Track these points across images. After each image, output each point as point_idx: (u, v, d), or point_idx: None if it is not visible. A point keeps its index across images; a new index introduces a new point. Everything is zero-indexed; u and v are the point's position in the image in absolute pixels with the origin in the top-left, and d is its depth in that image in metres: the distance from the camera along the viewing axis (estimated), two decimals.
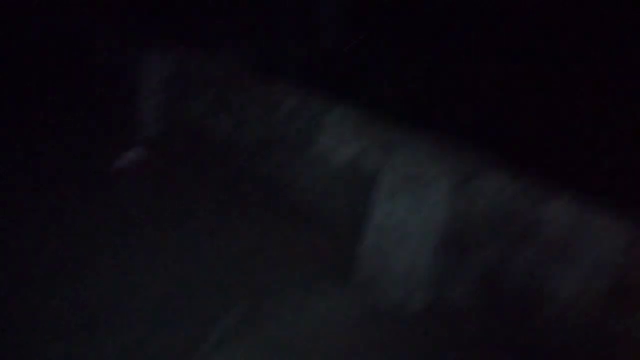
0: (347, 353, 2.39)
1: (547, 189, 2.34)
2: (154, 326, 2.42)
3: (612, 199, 2.19)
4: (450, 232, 2.63)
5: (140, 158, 3.75)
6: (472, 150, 2.61)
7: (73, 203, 3.25)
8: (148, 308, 2.54)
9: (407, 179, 2.60)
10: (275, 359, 2.33)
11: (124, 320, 2.45)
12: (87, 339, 2.34)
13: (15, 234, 2.97)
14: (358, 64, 5.07)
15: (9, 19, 5.02)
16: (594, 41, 2.83)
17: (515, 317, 2.49)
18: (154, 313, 2.51)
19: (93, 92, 4.37)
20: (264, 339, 2.41)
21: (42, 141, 3.86)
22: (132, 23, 4.55)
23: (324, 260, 3.02)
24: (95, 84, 4.46)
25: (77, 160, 3.69)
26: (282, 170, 3.40)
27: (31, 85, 4.49)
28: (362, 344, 2.45)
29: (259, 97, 3.48)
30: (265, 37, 4.82)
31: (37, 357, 2.24)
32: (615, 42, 2.78)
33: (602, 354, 2.25)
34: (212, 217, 3.27)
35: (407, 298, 2.67)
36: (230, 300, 2.60)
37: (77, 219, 3.13)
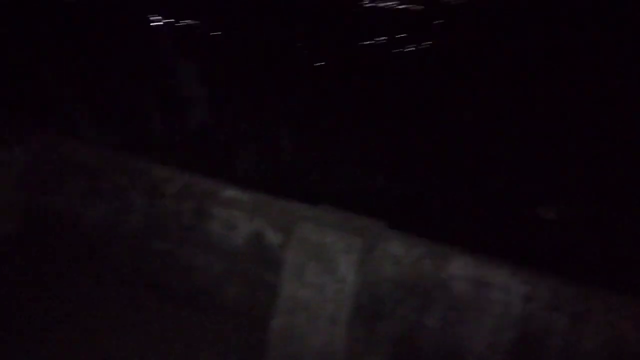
0: None
1: (449, 248, 2.47)
2: None
3: (509, 253, 2.37)
4: (360, 302, 2.62)
5: None
6: (373, 216, 2.68)
7: None
8: None
9: (311, 255, 2.56)
10: None
11: None
12: None
13: None
14: (229, 142, 5.03)
15: None
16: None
17: None
18: None
19: None
20: None
21: None
22: None
23: (228, 347, 2.83)
24: None
25: None
26: (172, 257, 3.16)
27: None
28: None
29: (138, 181, 3.25)
30: (133, 117, 4.62)
31: None
32: None
33: None
34: (101, 312, 2.91)
35: None
36: None
37: None
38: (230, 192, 2.97)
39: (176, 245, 3.17)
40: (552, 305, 2.26)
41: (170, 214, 3.16)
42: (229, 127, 5.70)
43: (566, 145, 5.24)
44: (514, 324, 2.33)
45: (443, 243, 2.50)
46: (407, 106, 6.11)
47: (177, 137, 5.04)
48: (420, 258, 2.50)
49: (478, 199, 2.63)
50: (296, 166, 4.94)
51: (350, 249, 2.47)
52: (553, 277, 2.27)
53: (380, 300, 2.62)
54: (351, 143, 4.77)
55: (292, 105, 5.68)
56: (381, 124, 5.52)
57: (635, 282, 2.20)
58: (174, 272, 3.19)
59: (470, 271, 2.40)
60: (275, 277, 2.90)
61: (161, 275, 3.21)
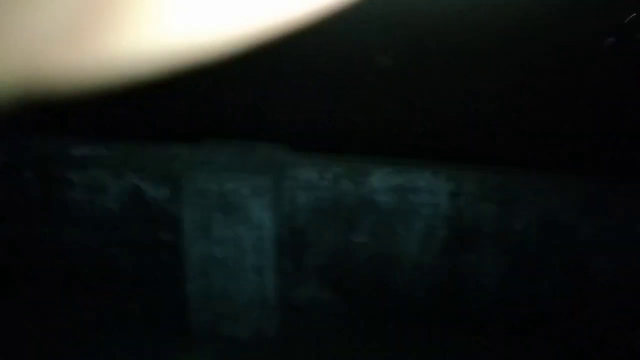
0: None
1: (366, 163, 2.22)
2: None
3: (428, 156, 2.20)
4: (283, 242, 2.34)
5: None
6: (272, 143, 2.30)
7: None
8: None
9: (213, 207, 2.16)
10: None
11: None
12: None
13: None
14: None
15: None
16: None
17: (368, 291, 2.43)
18: None
19: None
20: None
21: None
22: None
23: (149, 328, 2.45)
24: None
25: None
26: (32, 242, 2.54)
27: None
28: None
29: None
30: None
31: None
32: None
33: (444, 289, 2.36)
34: None
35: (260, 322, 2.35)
36: None
37: None
38: (83, 149, 2.34)
39: (28, 226, 2.53)
40: (480, 196, 2.18)
41: (8, 188, 2.46)
42: None
43: None
44: (443, 221, 2.24)
45: (359, 159, 2.23)
46: None
47: None
48: (337, 178, 2.23)
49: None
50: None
51: (258, 190, 2.10)
52: (478, 170, 2.16)
53: (302, 231, 2.36)
54: None
55: None
56: None
57: (559, 161, 2.17)
58: (38, 256, 2.59)
59: (392, 181, 2.20)
60: (173, 239, 2.47)
61: (20, 261, 2.60)
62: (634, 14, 2.21)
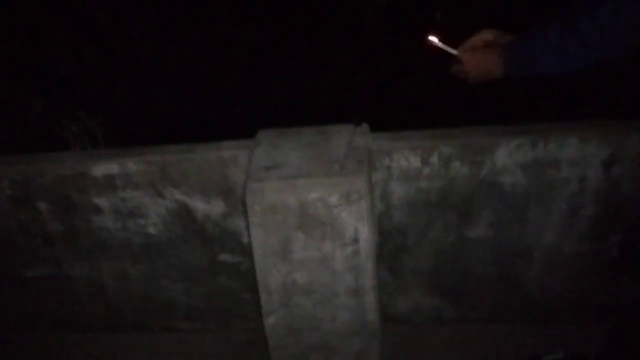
0: None
1: (489, 138, 1.65)
2: None
3: None
4: (381, 250, 1.82)
5: None
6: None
7: None
8: None
9: (291, 222, 1.62)
10: None
11: None
12: None
13: None
14: None
15: None
16: None
17: (487, 292, 1.91)
18: None
19: None
20: None
21: None
22: None
23: None
24: None
25: None
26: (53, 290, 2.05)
27: None
28: None
29: None
30: None
31: None
32: None
33: None
34: None
35: None
36: None
37: None
38: (107, 167, 1.80)
39: (54, 266, 2.03)
40: None
41: (21, 226, 1.95)
42: None
43: None
44: (591, 199, 1.68)
45: (476, 132, 1.66)
46: None
47: None
48: (446, 162, 1.67)
49: None
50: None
51: (349, 195, 1.55)
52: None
53: (400, 231, 1.83)
54: None
55: None
56: None
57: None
58: (72, 298, 2.11)
59: (524, 155, 1.63)
60: (238, 261, 1.96)
61: (56, 305, 2.13)
62: None
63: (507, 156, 1.64)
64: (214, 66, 4.10)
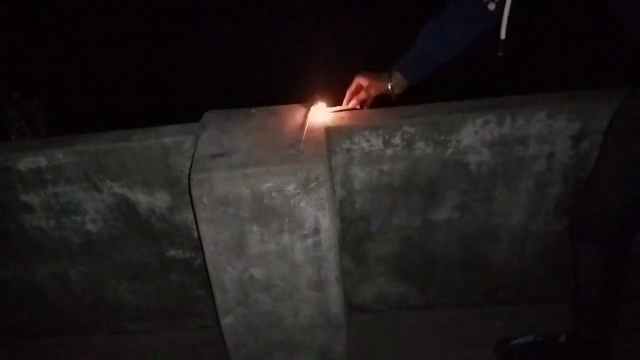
0: None
1: (454, 115, 1.54)
2: None
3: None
4: (344, 236, 1.70)
5: None
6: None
7: None
8: None
9: (247, 211, 1.48)
10: None
11: None
12: None
13: None
14: None
15: None
16: None
17: (453, 276, 1.83)
18: None
19: None
20: None
21: None
22: None
23: None
24: None
25: None
26: None
27: None
28: None
29: None
30: None
31: None
32: None
33: None
34: None
35: None
36: None
37: None
38: (32, 159, 1.60)
39: None
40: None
41: None
42: None
43: None
44: (559, 176, 1.61)
45: (440, 109, 1.54)
46: None
47: None
48: (409, 142, 1.56)
49: None
50: None
51: (309, 183, 1.42)
52: (613, 97, 1.49)
53: (362, 217, 1.72)
54: None
55: None
56: None
57: None
58: (8, 300, 1.92)
59: (490, 133, 1.54)
60: (188, 257, 1.81)
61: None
62: None
63: (473, 134, 1.54)
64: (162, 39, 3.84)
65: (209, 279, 1.60)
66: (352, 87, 1.58)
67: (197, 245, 1.75)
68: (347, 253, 1.79)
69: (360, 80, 1.57)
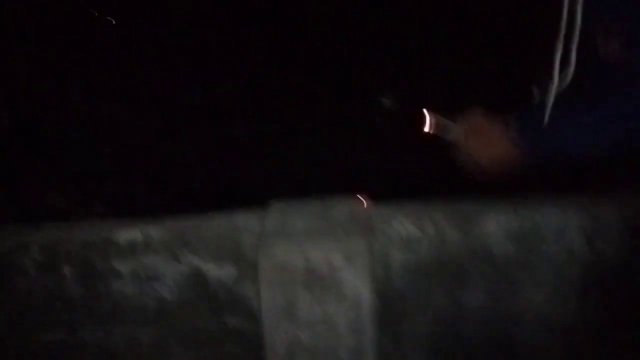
0: None
1: (473, 207, 1.83)
2: None
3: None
4: (381, 316, 1.93)
5: None
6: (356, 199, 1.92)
7: None
8: None
9: (295, 282, 1.76)
10: None
11: None
12: None
13: None
14: None
15: None
16: None
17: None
18: None
19: None
20: None
21: None
22: None
23: None
24: None
25: None
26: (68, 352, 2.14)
27: None
28: None
29: None
30: None
31: None
32: None
33: None
34: None
35: None
36: None
37: None
38: (131, 234, 1.97)
39: (70, 331, 2.13)
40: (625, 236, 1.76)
41: (45, 290, 2.08)
42: None
43: None
44: (580, 269, 1.82)
45: (467, 203, 1.84)
46: None
47: None
48: (441, 229, 1.84)
49: None
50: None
51: (352, 256, 1.70)
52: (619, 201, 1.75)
53: (400, 297, 1.95)
54: None
55: None
56: None
57: None
58: None
59: (510, 226, 1.80)
60: (244, 325, 2.06)
61: None
62: None
63: (497, 225, 1.80)
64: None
65: (261, 348, 1.84)
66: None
67: (253, 317, 2.01)
68: (385, 331, 2.00)
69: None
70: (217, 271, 1.98)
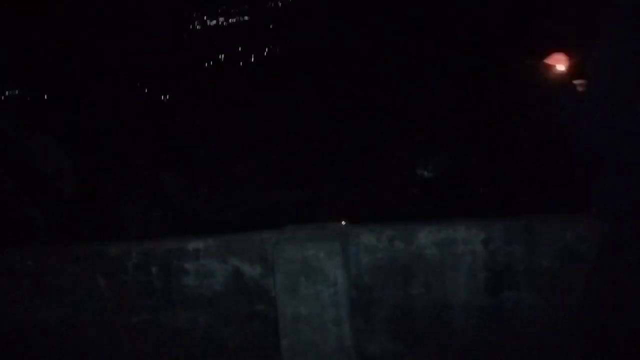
0: None
1: (412, 224, 2.85)
2: None
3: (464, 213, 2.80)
4: (353, 297, 2.91)
5: None
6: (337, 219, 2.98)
7: None
8: None
9: (298, 272, 2.79)
10: None
11: None
12: None
13: None
14: None
15: None
16: None
17: (429, 338, 2.90)
18: None
19: None
20: None
21: None
22: None
23: None
24: None
25: None
26: (151, 326, 3.19)
27: None
28: None
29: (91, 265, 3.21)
30: None
31: None
32: None
33: None
34: None
35: None
36: None
37: None
38: (196, 243, 3.07)
39: (151, 314, 3.19)
40: (507, 240, 2.73)
41: (138, 283, 3.17)
42: None
43: None
44: (483, 265, 2.78)
45: (406, 223, 2.87)
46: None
47: None
48: (391, 240, 2.85)
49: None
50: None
51: (331, 253, 2.74)
52: (503, 219, 2.75)
53: (368, 288, 2.93)
54: None
55: None
56: None
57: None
58: (158, 340, 3.21)
59: (435, 237, 2.80)
60: (266, 309, 3.09)
61: (145, 347, 3.22)
62: None
63: (426, 237, 2.81)
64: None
65: (277, 318, 2.84)
66: None
67: (273, 303, 3.02)
68: (359, 314, 2.96)
69: None
70: (250, 270, 3.04)
